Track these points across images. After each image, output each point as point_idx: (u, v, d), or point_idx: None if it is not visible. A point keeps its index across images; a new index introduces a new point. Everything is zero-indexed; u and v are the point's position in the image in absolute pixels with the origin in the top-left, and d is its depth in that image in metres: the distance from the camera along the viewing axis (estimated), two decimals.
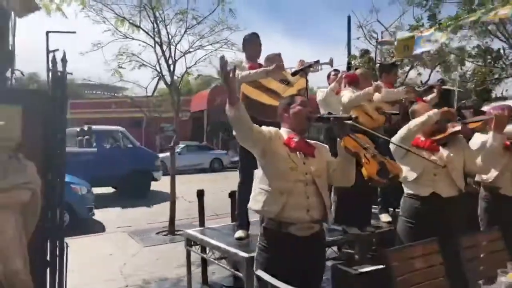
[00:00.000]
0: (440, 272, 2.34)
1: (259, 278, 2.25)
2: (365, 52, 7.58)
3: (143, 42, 6.46)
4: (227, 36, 6.92)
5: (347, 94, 3.75)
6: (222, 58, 2.16)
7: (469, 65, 6.52)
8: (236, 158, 21.05)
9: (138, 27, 6.40)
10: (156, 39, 6.40)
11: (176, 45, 6.44)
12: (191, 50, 6.67)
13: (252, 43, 3.71)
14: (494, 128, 2.83)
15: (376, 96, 3.82)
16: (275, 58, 3.82)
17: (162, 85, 7.54)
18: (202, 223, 4.30)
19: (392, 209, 4.30)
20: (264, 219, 2.34)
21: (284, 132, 2.40)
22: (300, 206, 2.20)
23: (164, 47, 6.44)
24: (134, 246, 6.24)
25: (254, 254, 3.05)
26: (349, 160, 2.34)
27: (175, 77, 6.66)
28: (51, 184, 3.15)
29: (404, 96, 3.84)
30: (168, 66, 6.56)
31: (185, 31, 6.48)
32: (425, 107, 3.04)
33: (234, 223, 4.44)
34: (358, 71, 4.06)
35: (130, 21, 6.29)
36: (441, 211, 2.77)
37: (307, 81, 3.44)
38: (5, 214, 2.77)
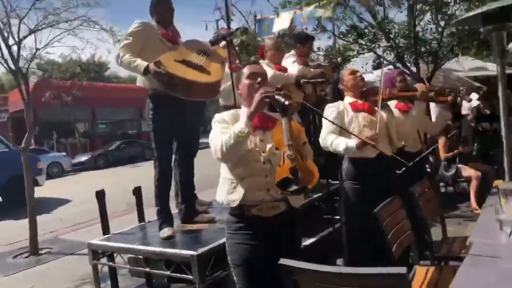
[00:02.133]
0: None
1: (239, 269, 2.05)
2: (244, 30, 7.53)
3: None
4: (86, 12, 5.85)
5: (266, 68, 3.57)
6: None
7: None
8: (79, 160, 18.87)
9: None
10: None
11: (21, 20, 5.09)
12: (39, 28, 5.37)
13: (161, 7, 3.15)
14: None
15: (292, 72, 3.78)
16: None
17: None
18: (106, 229, 3.52)
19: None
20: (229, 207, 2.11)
21: (243, 111, 2.10)
22: (260, 186, 2.00)
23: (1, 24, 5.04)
24: None
25: (202, 250, 2.70)
26: None
27: (21, 62, 5.30)
28: None
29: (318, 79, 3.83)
30: (9, 48, 5.17)
31: (33, 4, 5.18)
32: (351, 68, 3.12)
33: (142, 223, 3.84)
34: (267, 42, 3.90)
35: None
36: (387, 169, 2.90)
37: (229, 50, 3.11)
38: None
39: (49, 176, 15.84)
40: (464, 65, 8.71)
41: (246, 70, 2.15)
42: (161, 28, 3.14)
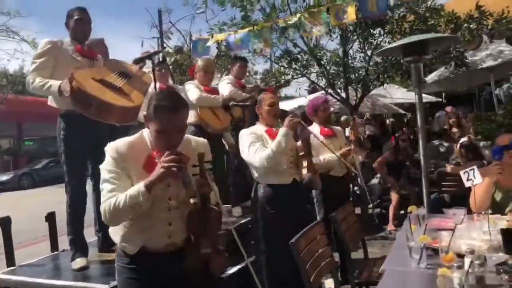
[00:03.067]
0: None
1: None
2: (179, 49, 7.39)
3: None
4: (5, 22, 5.42)
5: (193, 90, 3.50)
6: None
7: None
8: (3, 178, 17.21)
9: None
10: None
11: None
12: None
13: (74, 20, 2.92)
14: None
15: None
16: (98, 45, 3.21)
17: None
18: (11, 261, 3.14)
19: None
20: None
21: (146, 134, 1.80)
22: (162, 234, 1.79)
23: None
24: None
25: (114, 283, 2.49)
26: None
27: None
28: None
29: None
30: None
31: None
32: (271, 97, 3.11)
33: (54, 253, 3.50)
34: (198, 63, 3.83)
35: None
36: (301, 194, 2.99)
37: (154, 72, 2.99)
38: None
39: None
40: (391, 93, 9.32)
41: (151, 111, 1.66)
42: (75, 43, 2.94)
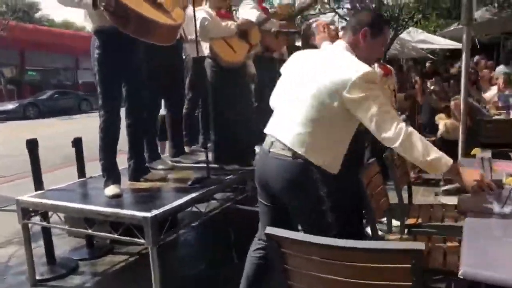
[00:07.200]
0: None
1: None
2: None
3: None
4: None
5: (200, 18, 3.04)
6: None
7: None
8: (5, 108, 17.07)
9: None
10: None
11: None
12: None
13: None
14: None
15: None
16: None
17: None
18: (39, 185, 3.02)
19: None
20: None
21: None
22: None
23: None
24: None
25: (156, 212, 2.36)
26: None
27: None
28: None
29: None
30: None
31: None
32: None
33: (82, 179, 3.38)
34: None
35: None
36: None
37: None
38: None
39: None
40: (414, 36, 8.77)
41: (379, 26, 1.79)
42: None
